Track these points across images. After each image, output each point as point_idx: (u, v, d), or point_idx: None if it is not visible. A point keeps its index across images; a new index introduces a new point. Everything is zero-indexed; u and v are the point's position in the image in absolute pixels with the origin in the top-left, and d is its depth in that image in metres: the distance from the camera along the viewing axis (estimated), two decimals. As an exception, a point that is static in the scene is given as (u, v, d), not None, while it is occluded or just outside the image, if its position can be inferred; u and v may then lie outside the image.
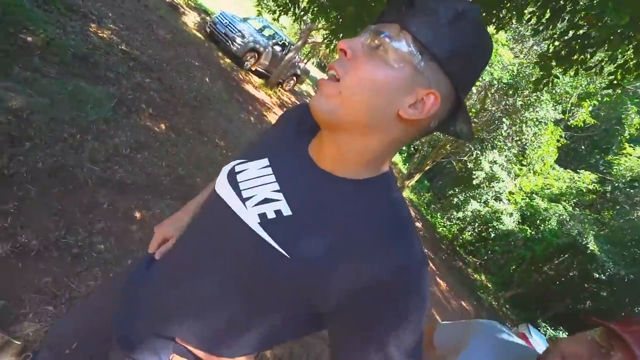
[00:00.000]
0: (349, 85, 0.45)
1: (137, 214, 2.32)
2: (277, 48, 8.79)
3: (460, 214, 11.54)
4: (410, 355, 0.45)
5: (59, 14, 3.52)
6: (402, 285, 0.45)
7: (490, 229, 10.86)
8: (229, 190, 0.56)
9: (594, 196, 10.33)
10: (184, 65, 5.23)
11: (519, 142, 9.27)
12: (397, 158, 18.22)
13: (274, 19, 4.22)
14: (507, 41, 7.40)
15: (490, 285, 11.43)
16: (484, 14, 2.83)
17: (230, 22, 7.78)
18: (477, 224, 11.84)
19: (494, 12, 2.77)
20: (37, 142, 2.10)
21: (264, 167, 0.56)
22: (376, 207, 0.49)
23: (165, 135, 3.34)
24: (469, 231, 12.88)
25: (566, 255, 10.38)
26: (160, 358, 0.56)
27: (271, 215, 0.50)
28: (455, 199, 11.37)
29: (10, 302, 1.47)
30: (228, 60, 7.81)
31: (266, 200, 0.52)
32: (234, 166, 0.59)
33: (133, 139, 2.86)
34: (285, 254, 0.48)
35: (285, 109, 0.68)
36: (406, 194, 12.61)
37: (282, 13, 3.81)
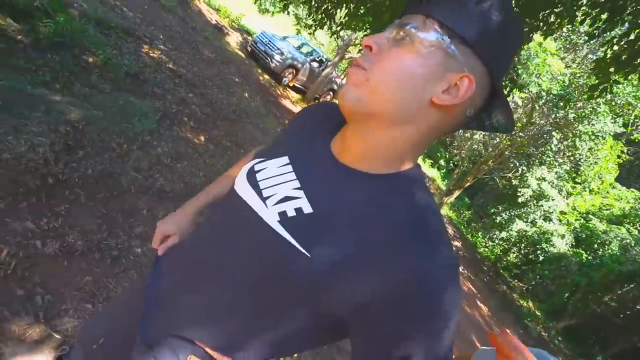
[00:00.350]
0: (376, 74, 0.45)
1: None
2: (315, 64, 9.01)
3: (504, 234, 10.74)
4: None
5: (117, 37, 3.88)
6: (422, 292, 0.41)
7: (539, 251, 9.94)
8: (249, 189, 0.55)
9: (665, 219, 9.14)
10: (225, 82, 5.52)
11: (572, 158, 8.53)
12: (436, 174, 17.59)
13: (310, 34, 4.32)
14: (557, 50, 6.92)
15: (539, 314, 10.39)
16: (531, 20, 2.67)
17: (270, 41, 8.13)
18: (523, 245, 10.93)
19: (541, 17, 2.60)
20: (89, 151, 2.28)
21: (284, 165, 0.55)
22: (400, 204, 0.47)
23: (204, 146, 3.50)
24: (513, 253, 11.92)
25: (631, 285, 9.19)
26: (179, 358, 0.56)
27: (291, 213, 0.49)
28: (499, 218, 10.64)
29: (54, 297, 1.57)
30: (267, 77, 8.13)
31: (287, 199, 0.50)
32: (252, 165, 0.59)
33: (174, 149, 3.02)
34: (306, 253, 0.46)
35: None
36: (444, 211, 12.05)
37: (318, 27, 3.90)
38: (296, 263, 0.46)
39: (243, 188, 0.56)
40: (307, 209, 0.48)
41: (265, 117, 5.88)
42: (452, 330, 0.41)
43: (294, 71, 8.55)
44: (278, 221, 0.49)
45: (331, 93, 10.13)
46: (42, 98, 2.30)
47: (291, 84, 8.80)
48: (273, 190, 0.52)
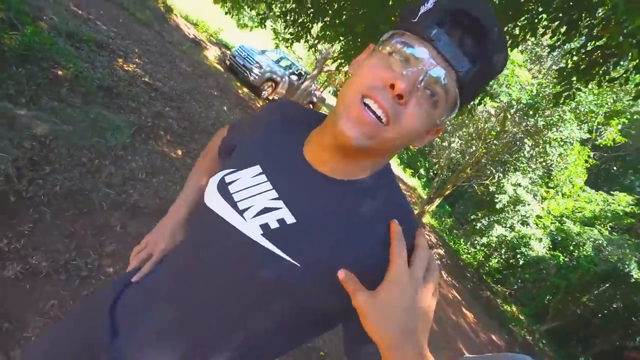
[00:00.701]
0: (396, 133, 0.45)
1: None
2: (294, 77, 9.09)
3: (485, 240, 10.98)
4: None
5: (90, 50, 3.79)
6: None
7: (519, 256, 10.19)
8: (222, 203, 0.52)
9: (632, 220, 9.60)
10: (203, 95, 5.46)
11: (544, 164, 8.90)
12: (416, 183, 17.91)
13: (287, 47, 4.37)
14: (524, 62, 7.32)
15: (522, 318, 10.57)
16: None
17: (248, 55, 8.17)
18: (503, 250, 11.19)
19: (507, 29, 2.74)
20: (56, 167, 2.17)
21: (257, 175, 0.53)
22: (377, 205, 0.50)
23: (181, 160, 3.41)
24: (495, 258, 12.18)
25: (607, 285, 9.53)
26: None
27: (274, 224, 0.48)
28: (479, 224, 10.88)
29: (13, 324, 1.45)
30: (246, 90, 8.12)
31: (266, 210, 0.49)
32: (222, 177, 0.56)
33: (149, 164, 2.92)
34: (295, 263, 0.47)
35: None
36: (426, 219, 12.23)
37: (295, 41, 3.96)
38: (287, 273, 0.47)
39: (216, 202, 0.53)
40: (290, 219, 0.48)
41: (246, 130, 5.83)
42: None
43: (273, 84, 8.59)
44: (262, 234, 0.48)
45: (310, 105, 10.23)
46: (5, 112, 2.18)
47: (270, 97, 8.82)
48: (249, 202, 0.51)
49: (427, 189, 16.55)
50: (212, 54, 8.73)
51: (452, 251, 12.22)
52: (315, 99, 10.19)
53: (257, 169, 0.53)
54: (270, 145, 0.56)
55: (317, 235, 0.48)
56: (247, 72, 8.03)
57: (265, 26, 4.65)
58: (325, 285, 0.47)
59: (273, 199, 0.50)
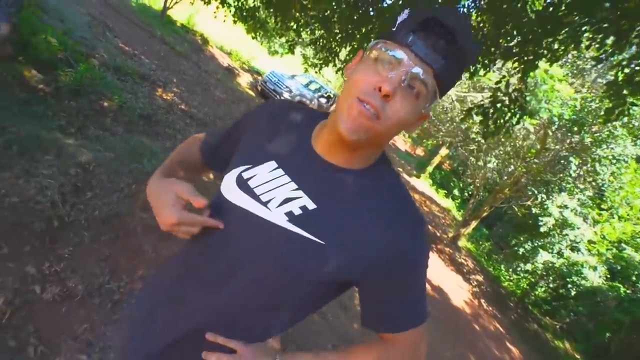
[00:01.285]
0: (387, 125, 0.53)
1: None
2: (323, 100, 9.27)
3: (529, 266, 10.11)
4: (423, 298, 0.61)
5: (133, 82, 4.10)
6: (407, 258, 0.57)
7: (569, 285, 9.23)
8: (245, 197, 0.59)
9: None
10: (234, 120, 5.68)
11: (594, 184, 8.18)
12: (451, 204, 17.19)
13: (316, 72, 4.46)
14: (564, 76, 6.91)
15: (578, 356, 9.46)
16: (534, 48, 2.66)
17: (279, 80, 8.48)
18: (551, 279, 10.21)
19: (545, 44, 2.59)
20: (97, 192, 2.29)
21: (274, 170, 0.59)
22: (384, 191, 0.59)
23: (213, 184, 3.50)
24: (541, 286, 11.13)
25: (679, 322, 8.32)
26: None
27: (298, 211, 0.55)
28: (521, 249, 10.07)
29: (48, 347, 1.48)
30: (276, 114, 8.35)
31: (288, 199, 0.56)
32: (239, 173, 0.61)
33: (183, 187, 3.02)
34: (320, 241, 0.54)
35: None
36: (462, 243, 11.58)
37: (324, 65, 4.03)
38: (313, 252, 0.54)
39: (238, 197, 0.59)
40: (311, 205, 0.56)
41: (275, 153, 5.96)
42: (425, 278, 0.61)
43: (303, 108, 8.79)
44: (287, 220, 0.55)
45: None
46: (56, 142, 2.36)
47: (301, 120, 9.01)
48: (271, 194, 0.57)
49: (461, 211, 15.79)
50: (244, 80, 9.16)
51: (491, 277, 11.37)
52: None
53: (273, 164, 0.60)
54: (280, 141, 0.63)
55: (336, 216, 0.55)
56: (278, 96, 8.30)
57: (294, 52, 4.80)
58: (346, 258, 0.55)
59: (293, 190, 0.57)
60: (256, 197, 0.58)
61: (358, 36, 3.47)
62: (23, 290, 1.58)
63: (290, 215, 0.55)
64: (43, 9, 3.94)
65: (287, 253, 0.55)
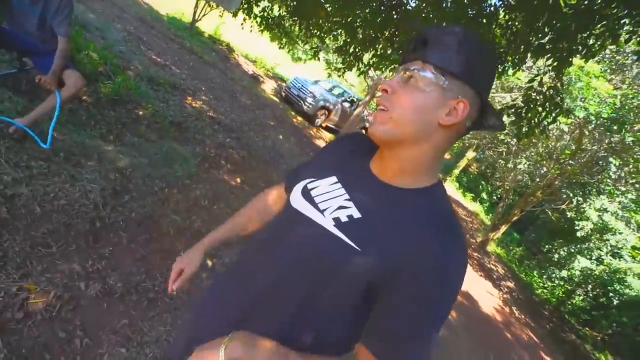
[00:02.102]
0: (396, 110, 0.61)
1: (209, 262, 2.44)
2: (346, 104, 9.28)
3: (565, 273, 9.56)
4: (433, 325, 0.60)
5: (165, 91, 4.31)
6: (440, 275, 0.57)
7: (611, 294, 8.63)
8: (306, 204, 0.69)
9: None
10: (260, 126, 5.81)
11: (637, 186, 7.63)
12: (478, 207, 16.59)
13: (339, 76, 4.49)
14: (601, 72, 6.52)
15: (622, 371, 8.78)
16: (568, 44, 2.55)
17: (302, 85, 8.59)
18: (590, 287, 9.59)
19: (579, 40, 2.48)
20: (133, 195, 2.43)
21: (334, 183, 0.69)
22: (429, 211, 0.62)
23: (240, 187, 3.60)
24: (579, 295, 10.46)
25: None
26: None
27: (344, 219, 0.63)
28: (556, 255, 9.56)
29: (91, 340, 1.58)
30: (300, 119, 8.47)
31: (340, 208, 0.65)
32: (305, 184, 0.73)
33: (211, 191, 3.13)
34: (357, 247, 0.60)
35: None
36: (491, 248, 11.13)
37: (347, 70, 4.06)
38: (350, 256, 0.60)
39: (301, 204, 0.70)
40: (357, 214, 0.63)
41: (299, 157, 6.02)
42: (454, 300, 0.62)
43: (327, 112, 8.85)
44: (334, 225, 0.63)
45: (363, 131, 10.27)
46: (97, 148, 2.53)
47: (324, 125, 9.07)
48: (328, 203, 0.66)
49: (490, 215, 15.20)
50: (269, 87, 9.35)
51: (523, 284, 10.84)
52: (367, 124, 10.22)
53: (334, 179, 0.70)
54: (342, 162, 0.74)
55: (375, 226, 0.61)
56: (301, 101, 8.40)
57: (318, 58, 4.87)
58: (377, 265, 0.59)
59: (346, 200, 0.65)
60: (315, 205, 0.68)
61: (382, 40, 3.48)
62: (70, 286, 1.70)
63: (337, 221, 0.63)
64: (86, 27, 4.25)
65: (326, 249, 0.63)
